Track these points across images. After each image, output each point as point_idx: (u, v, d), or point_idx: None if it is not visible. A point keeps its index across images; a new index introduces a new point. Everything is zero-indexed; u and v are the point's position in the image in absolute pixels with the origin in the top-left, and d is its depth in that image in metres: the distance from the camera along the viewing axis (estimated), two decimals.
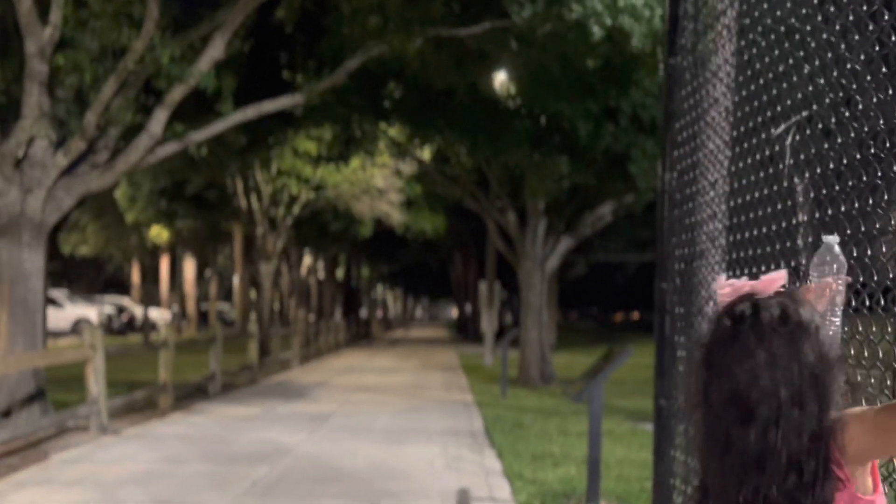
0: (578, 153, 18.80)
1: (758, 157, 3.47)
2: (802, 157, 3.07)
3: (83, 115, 12.23)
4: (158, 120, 12.72)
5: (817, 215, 2.98)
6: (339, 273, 57.21)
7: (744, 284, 1.90)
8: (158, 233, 41.94)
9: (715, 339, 1.87)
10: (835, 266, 2.04)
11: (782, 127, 2.72)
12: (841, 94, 2.85)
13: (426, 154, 24.24)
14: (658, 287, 4.17)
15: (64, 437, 11.68)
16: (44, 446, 11.00)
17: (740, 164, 3.71)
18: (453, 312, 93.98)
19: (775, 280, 1.88)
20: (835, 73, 2.88)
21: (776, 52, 3.32)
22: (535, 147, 18.82)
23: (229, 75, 14.06)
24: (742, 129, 3.69)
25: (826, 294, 1.98)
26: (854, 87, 2.73)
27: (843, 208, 2.80)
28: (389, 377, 22.12)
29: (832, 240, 2.07)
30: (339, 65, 14.66)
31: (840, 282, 2.01)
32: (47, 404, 12.51)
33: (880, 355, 2.64)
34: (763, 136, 3.41)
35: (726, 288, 1.92)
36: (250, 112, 13.94)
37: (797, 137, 2.73)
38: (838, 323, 2.00)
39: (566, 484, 8.91)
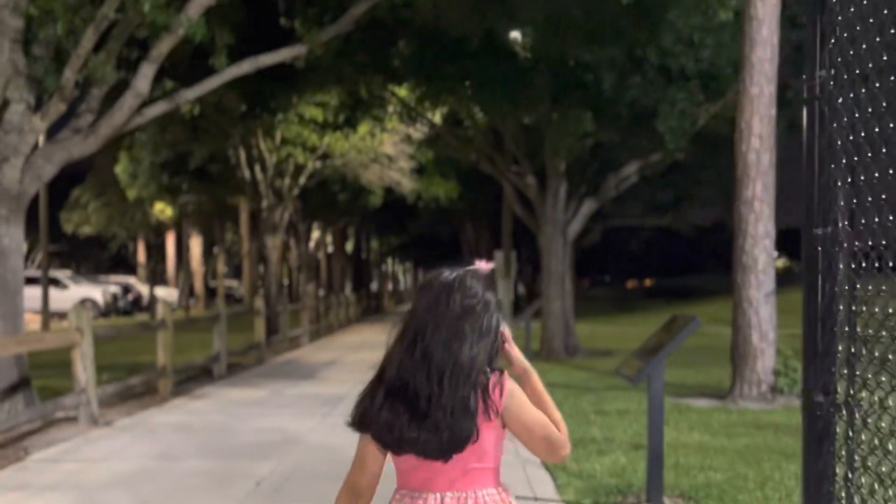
0: (602, 108, 17.55)
1: None
2: None
3: (62, 73, 10.96)
4: (145, 76, 11.45)
5: None
6: (349, 246, 56.06)
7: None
8: (162, 209, 40.78)
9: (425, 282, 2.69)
10: None
11: None
12: None
13: (437, 117, 22.94)
14: (808, 235, 2.93)
15: (50, 431, 10.53)
16: (26, 442, 9.86)
17: None
18: None
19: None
20: None
21: None
22: (555, 103, 17.52)
23: (223, 26, 12.73)
24: None
25: None
26: None
27: None
28: None
29: None
30: (344, 12, 13.35)
31: None
32: (32, 394, 11.31)
33: None
34: None
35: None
36: (246, 66, 12.65)
37: None
38: None
39: (618, 476, 7.69)
